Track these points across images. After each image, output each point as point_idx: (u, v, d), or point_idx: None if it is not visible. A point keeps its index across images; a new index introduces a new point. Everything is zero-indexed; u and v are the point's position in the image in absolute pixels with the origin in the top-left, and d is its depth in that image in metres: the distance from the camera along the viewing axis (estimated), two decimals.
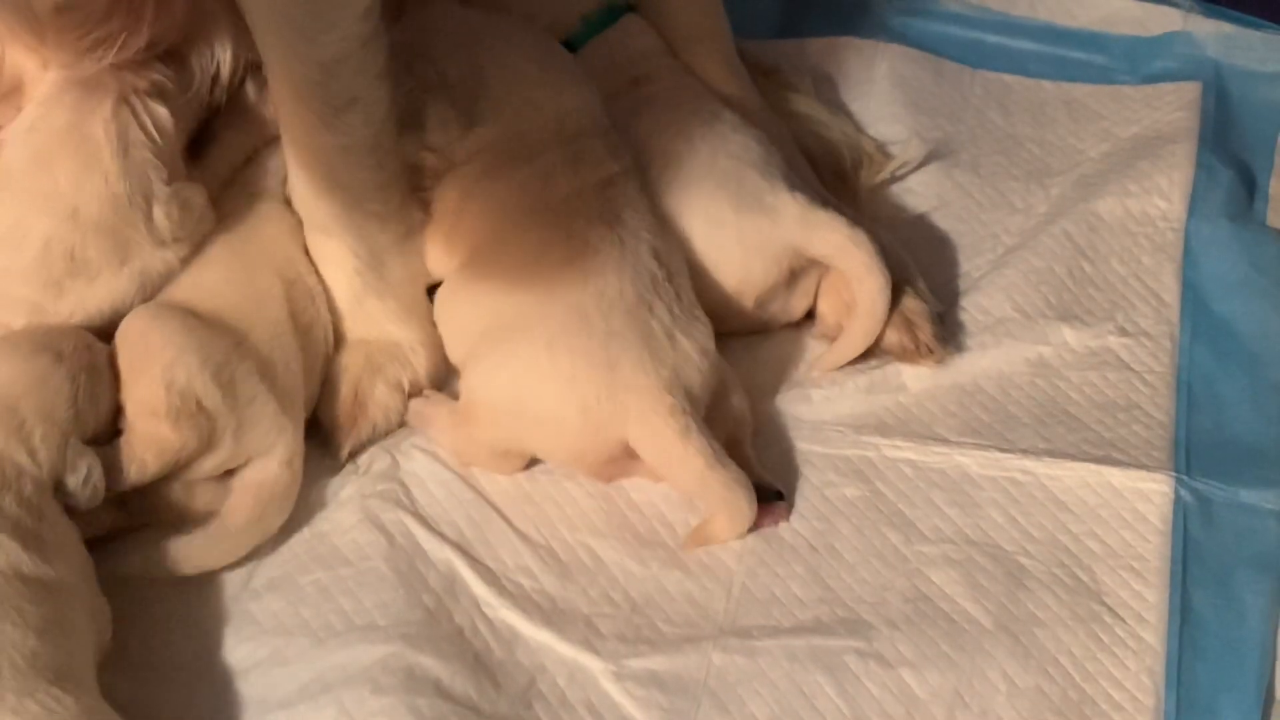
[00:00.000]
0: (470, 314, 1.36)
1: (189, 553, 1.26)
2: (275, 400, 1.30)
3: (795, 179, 1.45)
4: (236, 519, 1.28)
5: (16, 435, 1.20)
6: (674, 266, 1.36)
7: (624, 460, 1.31)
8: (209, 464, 1.28)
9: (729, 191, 1.41)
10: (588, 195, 1.36)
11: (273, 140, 1.40)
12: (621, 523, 1.32)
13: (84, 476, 1.21)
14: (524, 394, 1.29)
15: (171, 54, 1.38)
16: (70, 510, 1.22)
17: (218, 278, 1.36)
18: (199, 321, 1.30)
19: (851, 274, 1.40)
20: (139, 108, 1.33)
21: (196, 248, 1.37)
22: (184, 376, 1.26)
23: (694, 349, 1.31)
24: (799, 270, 1.42)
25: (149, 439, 1.25)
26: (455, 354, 1.38)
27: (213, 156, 1.42)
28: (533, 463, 1.35)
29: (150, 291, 1.34)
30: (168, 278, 1.35)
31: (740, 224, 1.40)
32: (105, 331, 1.31)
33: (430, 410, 1.38)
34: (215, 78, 1.40)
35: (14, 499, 1.17)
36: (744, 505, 1.28)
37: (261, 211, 1.41)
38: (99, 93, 1.33)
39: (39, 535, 1.17)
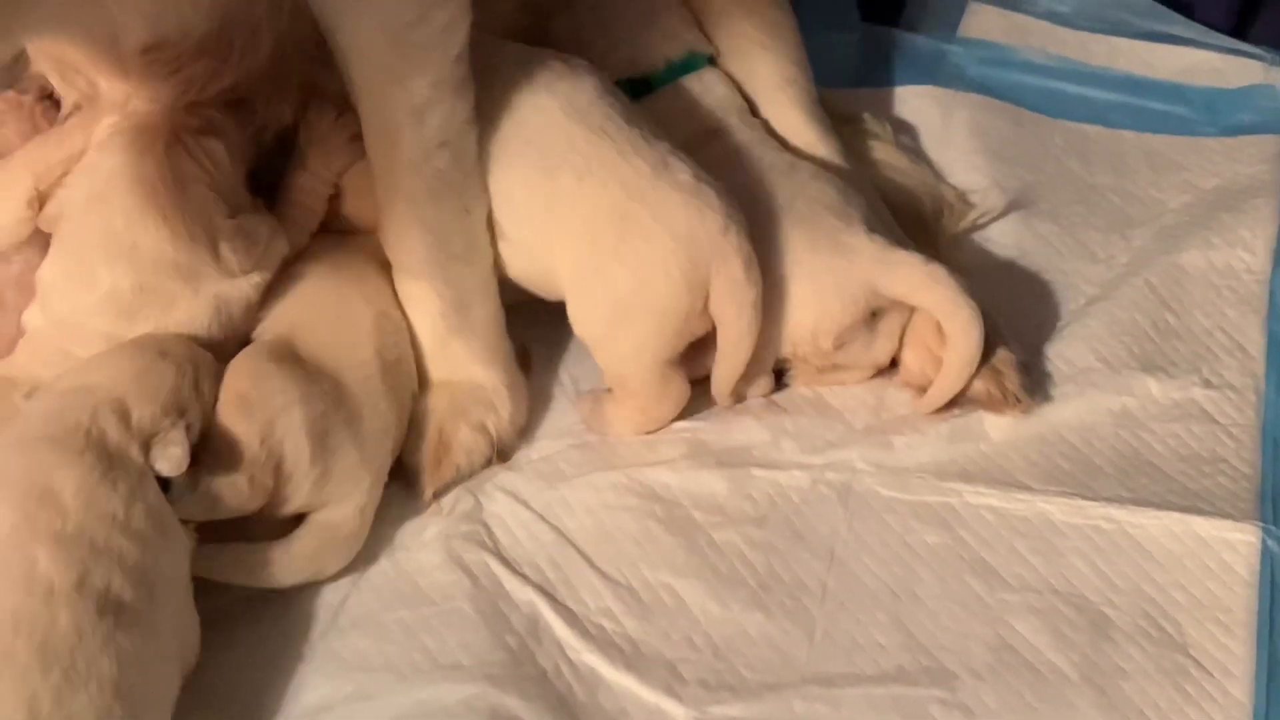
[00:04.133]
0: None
1: (244, 565, 1.28)
2: (358, 450, 1.32)
3: (875, 222, 1.47)
4: (297, 549, 1.30)
5: (124, 422, 1.22)
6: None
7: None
8: (275, 514, 1.30)
9: (804, 232, 1.43)
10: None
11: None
12: (703, 562, 1.33)
13: (171, 457, 1.22)
14: (629, 306, 1.37)
15: (239, 94, 1.42)
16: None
17: (313, 312, 1.38)
18: (307, 370, 1.33)
19: (938, 310, 1.41)
20: (191, 144, 1.36)
21: (287, 276, 1.40)
22: (281, 433, 1.28)
23: (720, 186, 1.39)
24: (881, 312, 1.43)
25: (225, 479, 1.26)
26: (594, 328, 1.43)
27: (290, 197, 1.45)
28: (611, 498, 1.38)
29: (231, 318, 1.37)
30: (249, 305, 1.38)
31: (815, 263, 1.42)
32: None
33: (598, 411, 1.43)
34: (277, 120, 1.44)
35: (124, 493, 1.19)
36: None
37: (352, 244, 1.44)
38: (150, 132, 1.36)
39: (143, 537, 1.18)
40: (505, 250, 1.44)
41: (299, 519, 1.32)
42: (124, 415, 1.22)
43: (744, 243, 1.38)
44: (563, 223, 1.40)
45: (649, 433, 1.43)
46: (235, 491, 1.26)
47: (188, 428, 1.25)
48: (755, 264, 1.38)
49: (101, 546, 1.15)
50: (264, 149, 1.45)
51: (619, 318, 1.40)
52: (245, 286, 1.38)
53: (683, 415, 1.45)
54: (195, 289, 1.35)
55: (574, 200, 1.40)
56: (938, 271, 1.41)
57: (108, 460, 1.20)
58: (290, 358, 1.34)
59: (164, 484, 1.23)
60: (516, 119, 1.41)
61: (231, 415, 1.29)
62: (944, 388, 1.42)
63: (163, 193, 1.33)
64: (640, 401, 1.43)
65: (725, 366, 1.42)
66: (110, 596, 1.14)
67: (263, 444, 1.28)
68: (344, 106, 1.40)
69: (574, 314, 1.43)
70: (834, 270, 1.42)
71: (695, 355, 1.43)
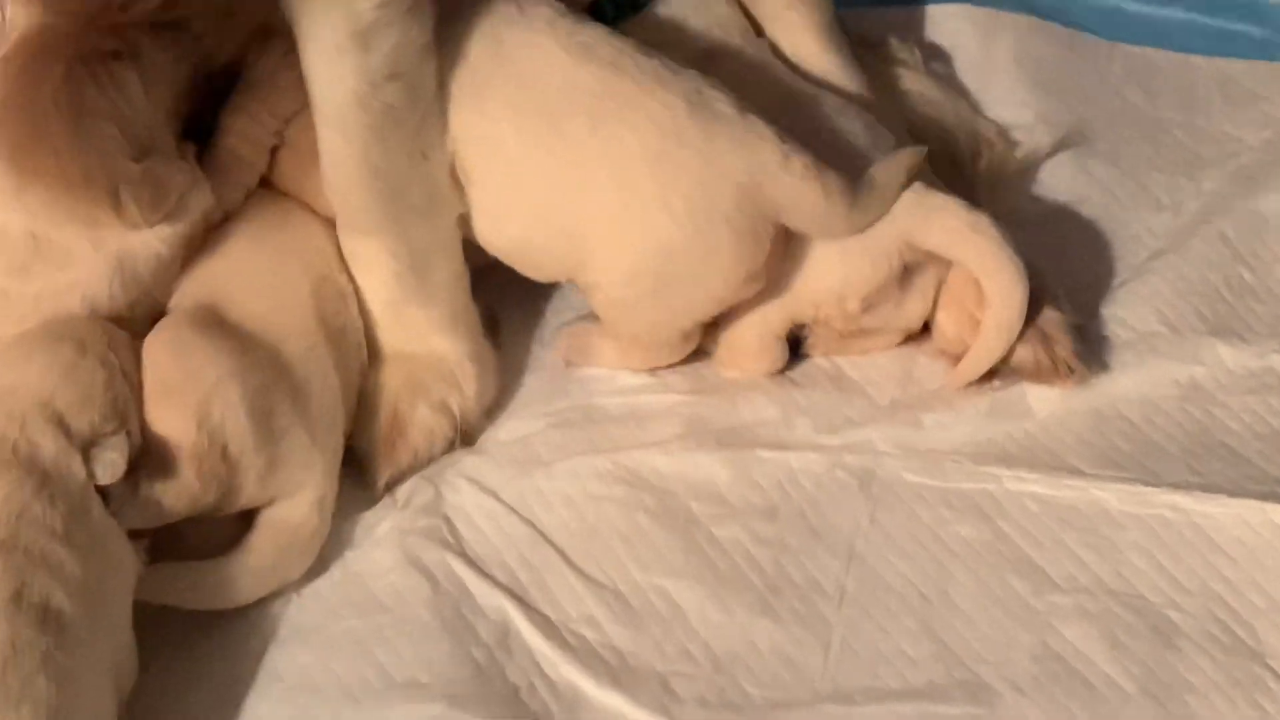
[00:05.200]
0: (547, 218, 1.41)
1: (199, 587, 1.28)
2: (307, 432, 1.31)
3: None
4: (255, 560, 1.29)
5: (63, 433, 1.21)
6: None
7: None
8: (226, 510, 1.29)
9: None
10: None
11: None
12: (702, 561, 1.32)
13: (107, 463, 1.22)
14: (675, 265, 1.37)
15: (174, 18, 1.39)
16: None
17: (242, 274, 1.37)
18: (240, 340, 1.31)
19: (977, 266, 1.40)
20: (100, 71, 1.33)
21: (214, 235, 1.39)
22: (219, 412, 1.27)
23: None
24: (914, 267, 1.42)
25: (167, 480, 1.25)
26: (559, 269, 1.44)
27: (224, 144, 1.42)
28: (595, 486, 1.37)
29: (137, 278, 1.35)
30: (159, 263, 1.36)
31: None
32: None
33: (587, 345, 1.45)
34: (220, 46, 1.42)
35: (64, 510, 1.18)
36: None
37: (288, 203, 1.42)
38: (51, 54, 1.33)
39: (86, 552, 1.18)
40: (486, 215, 1.42)
41: (243, 526, 1.30)
42: (59, 423, 1.22)
43: (811, 168, 1.36)
44: (578, 178, 1.39)
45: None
46: (184, 490, 1.25)
47: (128, 433, 1.24)
48: (832, 177, 1.36)
49: (39, 557, 1.15)
50: (205, 87, 1.42)
51: (664, 277, 1.39)
52: (154, 241, 1.35)
53: (678, 389, 1.45)
54: (94, 242, 1.33)
55: (590, 152, 1.39)
56: (980, 221, 1.40)
57: (41, 476, 1.19)
58: (216, 326, 1.32)
59: (103, 494, 1.22)
60: (498, 55, 1.40)
61: (158, 403, 1.28)
62: (980, 356, 1.41)
63: (56, 125, 1.30)
64: (646, 354, 1.44)
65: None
66: (50, 611, 1.14)
67: (200, 428, 1.26)
68: (293, 40, 1.37)
69: (602, 278, 1.41)
70: None
71: None
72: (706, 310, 1.41)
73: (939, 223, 1.40)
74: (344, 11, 1.29)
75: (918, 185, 1.41)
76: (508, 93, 1.40)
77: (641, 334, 1.44)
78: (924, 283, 1.44)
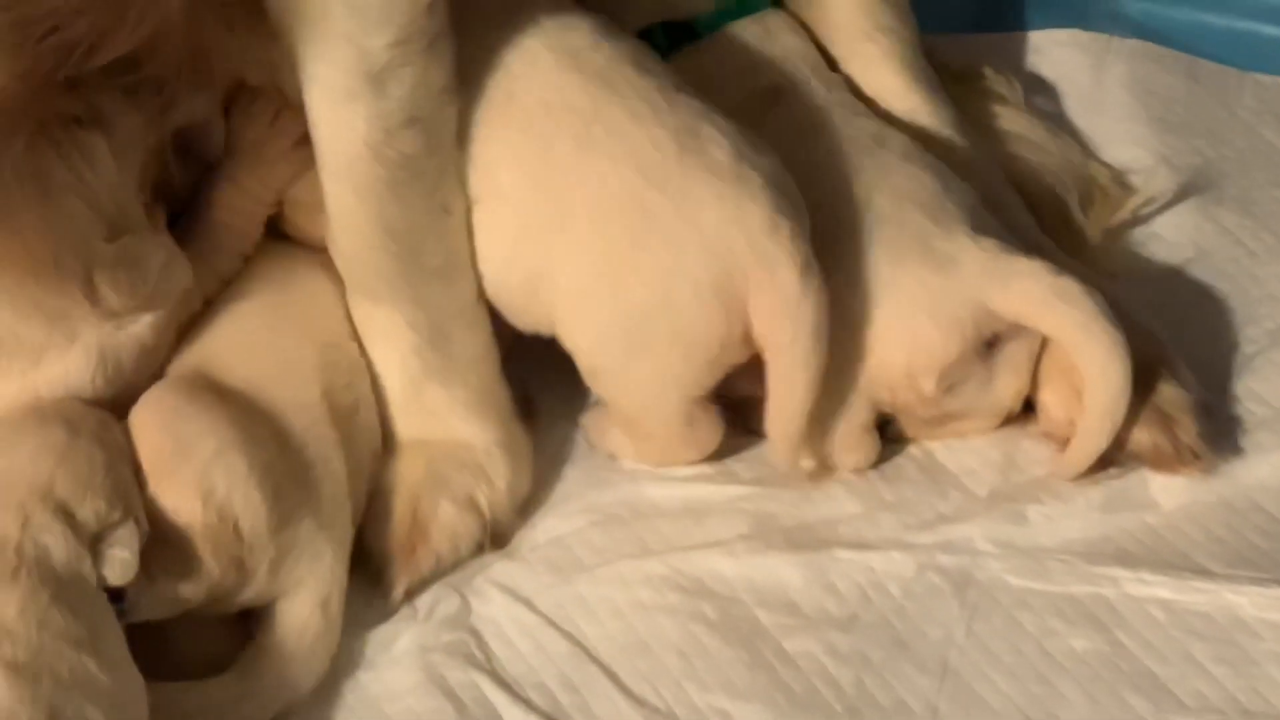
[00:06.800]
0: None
1: (203, 709, 1.27)
2: (314, 517, 1.32)
3: (988, 220, 1.47)
4: (264, 672, 1.29)
5: (69, 527, 1.22)
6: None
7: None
8: (229, 605, 1.30)
9: (885, 240, 1.43)
10: None
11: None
12: (771, 680, 1.31)
13: (118, 563, 1.23)
14: (640, 331, 1.38)
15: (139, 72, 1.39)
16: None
17: (237, 341, 1.39)
18: (239, 406, 1.32)
19: (1067, 339, 1.40)
20: (63, 140, 1.35)
21: (217, 302, 1.41)
22: (225, 484, 1.28)
23: (770, 157, 1.39)
24: (999, 340, 1.42)
25: (184, 567, 1.26)
26: (532, 321, 1.45)
27: (213, 217, 1.45)
28: (646, 594, 1.37)
29: (120, 368, 1.36)
30: (143, 350, 1.37)
31: (899, 281, 1.42)
32: None
33: (605, 430, 1.47)
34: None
35: (89, 618, 1.19)
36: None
37: (294, 252, 1.46)
38: (10, 122, 1.33)
39: (109, 662, 1.19)
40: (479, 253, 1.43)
41: (232, 633, 1.31)
42: (65, 514, 1.23)
43: (799, 245, 1.36)
44: (559, 210, 1.40)
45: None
46: (201, 576, 1.26)
47: (135, 520, 1.25)
48: (815, 271, 1.36)
49: (68, 679, 1.16)
50: (176, 146, 1.44)
51: (632, 345, 1.40)
52: (135, 329, 1.37)
53: (742, 479, 1.45)
54: (67, 335, 1.35)
55: (574, 178, 1.40)
56: (1068, 286, 1.40)
57: (56, 581, 1.20)
58: (210, 392, 1.34)
59: (113, 595, 1.23)
60: (498, 69, 1.42)
61: (156, 481, 1.28)
62: (1084, 445, 1.40)
63: (19, 206, 1.31)
64: (657, 444, 1.44)
65: (779, 413, 1.40)
66: None
67: (206, 504, 1.27)
68: (282, 102, 1.41)
69: (572, 336, 1.42)
70: (927, 287, 1.42)
71: (744, 377, 1.42)
72: (688, 384, 1.41)
73: (1018, 288, 1.40)
74: (354, 51, 1.31)
75: (995, 245, 1.42)
76: (502, 110, 1.42)
77: (636, 414, 1.44)
78: (1014, 356, 1.43)
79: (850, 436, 1.44)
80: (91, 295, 1.34)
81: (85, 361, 1.35)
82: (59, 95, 1.35)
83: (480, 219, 1.42)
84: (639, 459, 1.46)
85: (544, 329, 1.44)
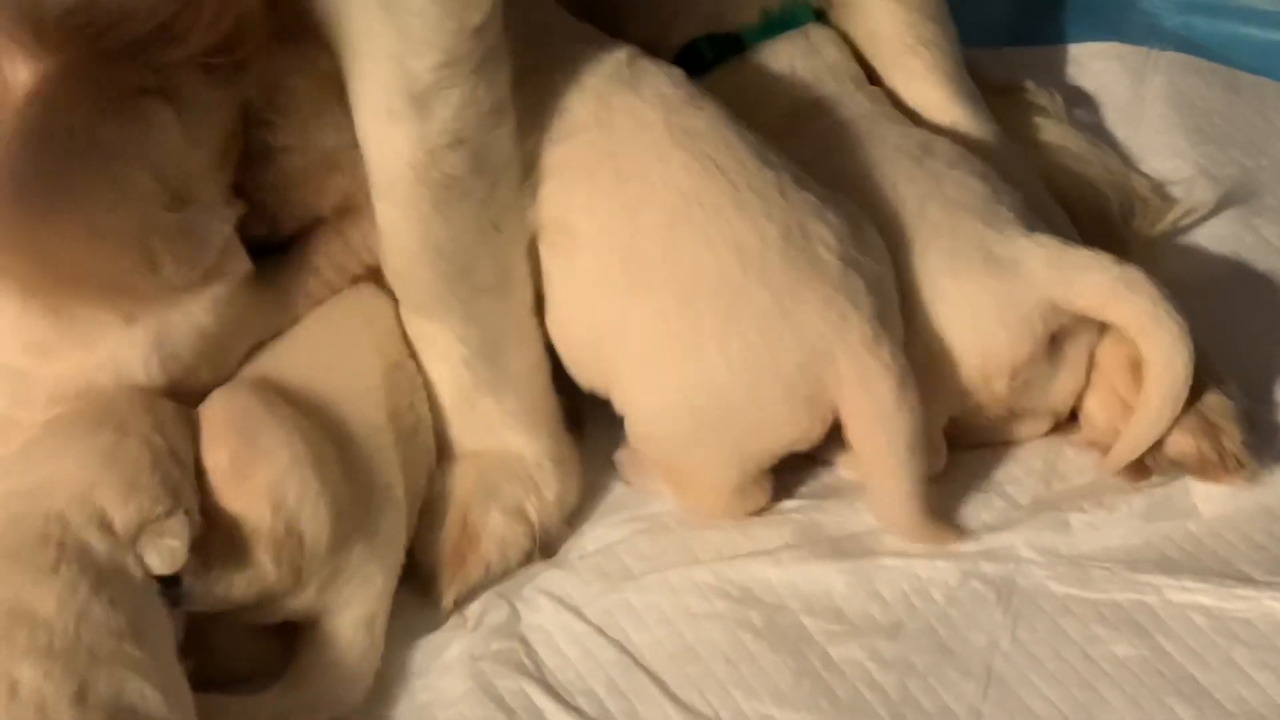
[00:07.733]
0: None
1: None
2: (367, 540, 1.33)
3: (1036, 220, 1.47)
4: (310, 687, 1.31)
5: (107, 532, 1.22)
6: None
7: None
8: (276, 613, 1.31)
9: (943, 250, 1.43)
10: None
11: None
12: (817, 686, 1.31)
13: (163, 550, 1.23)
14: (715, 413, 1.37)
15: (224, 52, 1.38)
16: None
17: (309, 360, 1.40)
18: (311, 419, 1.33)
19: (1134, 326, 1.40)
20: (129, 110, 1.34)
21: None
22: (296, 497, 1.28)
23: (877, 260, 1.38)
24: (1063, 335, 1.43)
25: (242, 564, 1.27)
26: (589, 379, 1.44)
27: (310, 261, 1.46)
28: (693, 602, 1.37)
29: (177, 356, 1.35)
30: (202, 336, 1.36)
31: (964, 291, 1.42)
32: None
33: (643, 469, 1.45)
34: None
35: (125, 608, 1.19)
36: None
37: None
38: (80, 91, 1.32)
39: (153, 650, 1.19)
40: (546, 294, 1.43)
41: (273, 644, 1.32)
42: (101, 521, 1.23)
43: (898, 359, 1.36)
44: (640, 276, 1.39)
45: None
46: (257, 576, 1.27)
47: (186, 512, 1.25)
48: (911, 385, 1.35)
49: (105, 655, 1.16)
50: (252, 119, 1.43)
51: (703, 423, 1.39)
52: (195, 310, 1.36)
53: (788, 488, 1.46)
54: (124, 315, 1.33)
55: (660, 249, 1.39)
56: (1133, 275, 1.40)
57: (96, 575, 1.20)
58: (284, 404, 1.33)
59: (169, 581, 1.24)
60: (601, 118, 1.42)
61: (227, 483, 1.29)
62: (1141, 431, 1.40)
63: (79, 174, 1.30)
64: (701, 501, 1.43)
65: (886, 503, 1.39)
66: (123, 704, 1.14)
67: (276, 513, 1.28)
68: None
69: (632, 399, 1.42)
70: (993, 293, 1.42)
71: None
72: (748, 467, 1.41)
73: (1085, 280, 1.40)
74: (398, 71, 1.30)
75: (1054, 241, 1.42)
76: (595, 161, 1.41)
77: (685, 476, 1.43)
78: (1075, 354, 1.44)
79: (929, 444, 1.42)
80: (149, 263, 1.33)
81: (140, 344, 1.34)
82: (126, 68, 1.34)
83: (550, 257, 1.42)
84: (678, 504, 1.44)
85: (598, 385, 1.44)
